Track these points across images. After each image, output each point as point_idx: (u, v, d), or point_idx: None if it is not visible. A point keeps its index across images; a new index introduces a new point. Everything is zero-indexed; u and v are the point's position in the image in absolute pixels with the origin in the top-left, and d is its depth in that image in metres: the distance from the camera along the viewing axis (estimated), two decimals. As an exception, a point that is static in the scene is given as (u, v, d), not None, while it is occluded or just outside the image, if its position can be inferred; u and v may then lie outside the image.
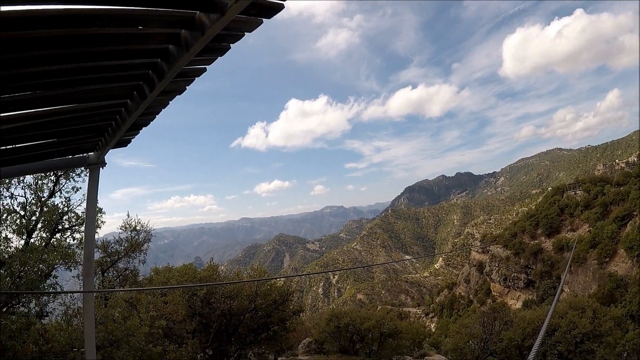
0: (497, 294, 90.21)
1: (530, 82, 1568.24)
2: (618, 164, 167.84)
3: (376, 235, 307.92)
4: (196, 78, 6.51)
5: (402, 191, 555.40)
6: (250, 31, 5.09)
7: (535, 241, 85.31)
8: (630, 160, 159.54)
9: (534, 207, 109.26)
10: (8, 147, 7.19)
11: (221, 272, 28.75)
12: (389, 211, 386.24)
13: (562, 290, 63.09)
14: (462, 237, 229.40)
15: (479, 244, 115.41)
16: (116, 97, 6.60)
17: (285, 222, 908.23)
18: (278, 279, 31.29)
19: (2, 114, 5.59)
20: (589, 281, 60.72)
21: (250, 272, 28.98)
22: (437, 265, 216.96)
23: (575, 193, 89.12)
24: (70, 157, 9.22)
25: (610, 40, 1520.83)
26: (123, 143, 9.19)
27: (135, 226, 22.41)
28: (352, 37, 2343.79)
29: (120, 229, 22.16)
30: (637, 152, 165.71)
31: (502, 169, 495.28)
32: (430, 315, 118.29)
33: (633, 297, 44.12)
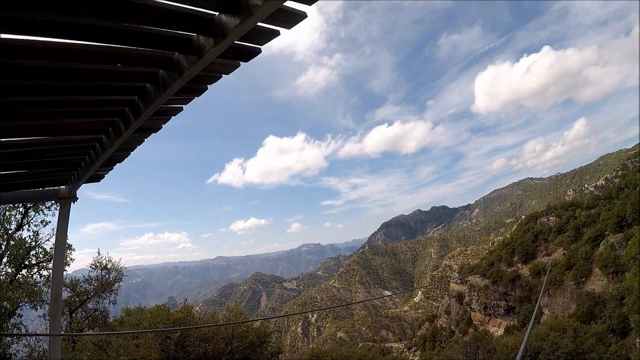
0: (479, 323, 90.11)
1: (501, 117, 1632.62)
2: (587, 188, 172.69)
3: (354, 272, 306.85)
4: (172, 117, 6.56)
5: (378, 227, 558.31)
6: (227, 73, 5.32)
7: (512, 268, 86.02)
8: (598, 183, 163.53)
9: (509, 236, 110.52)
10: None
11: (196, 314, 28.07)
12: (366, 247, 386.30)
13: (541, 313, 63.68)
14: (440, 269, 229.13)
15: (457, 275, 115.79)
16: (91, 132, 6.60)
17: (261, 261, 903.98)
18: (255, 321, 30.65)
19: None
20: (568, 302, 61.38)
21: (226, 314, 28.46)
22: (416, 299, 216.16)
23: (548, 219, 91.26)
24: (41, 189, 9.16)
25: (575, 74, 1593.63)
26: (96, 178, 9.19)
27: (106, 264, 21.65)
28: (331, 75, 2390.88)
29: (91, 267, 21.43)
30: (605, 176, 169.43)
31: (476, 201, 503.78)
32: (412, 349, 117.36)
33: (612, 311, 44.26)
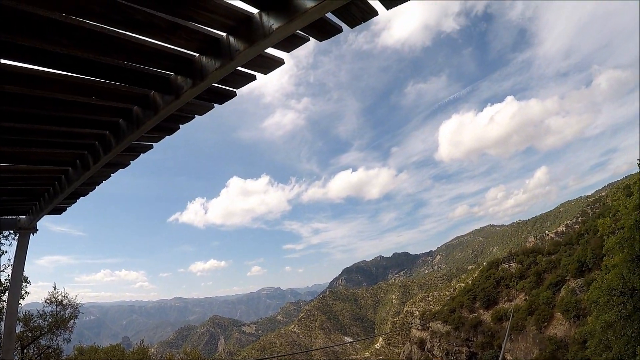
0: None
1: (464, 165, 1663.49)
2: (548, 234, 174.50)
3: (314, 317, 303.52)
4: (142, 153, 6.55)
5: (340, 272, 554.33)
6: (201, 114, 5.41)
7: (474, 314, 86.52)
8: (559, 230, 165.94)
9: (470, 282, 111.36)
10: None
11: (152, 355, 27.52)
12: (327, 293, 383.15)
13: (504, 358, 63.71)
14: (401, 315, 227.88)
15: (418, 321, 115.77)
16: (58, 163, 6.45)
17: (220, 304, 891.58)
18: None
19: None
20: (530, 346, 61.96)
21: (183, 356, 27.97)
22: (377, 346, 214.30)
23: (510, 265, 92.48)
24: (-1, 217, 8.91)
25: (537, 123, 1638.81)
26: (58, 210, 8.93)
27: (62, 300, 20.99)
28: (298, 119, 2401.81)
29: (46, 301, 20.78)
30: (565, 222, 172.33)
31: (438, 247, 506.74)
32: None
33: (574, 355, 44.63)
